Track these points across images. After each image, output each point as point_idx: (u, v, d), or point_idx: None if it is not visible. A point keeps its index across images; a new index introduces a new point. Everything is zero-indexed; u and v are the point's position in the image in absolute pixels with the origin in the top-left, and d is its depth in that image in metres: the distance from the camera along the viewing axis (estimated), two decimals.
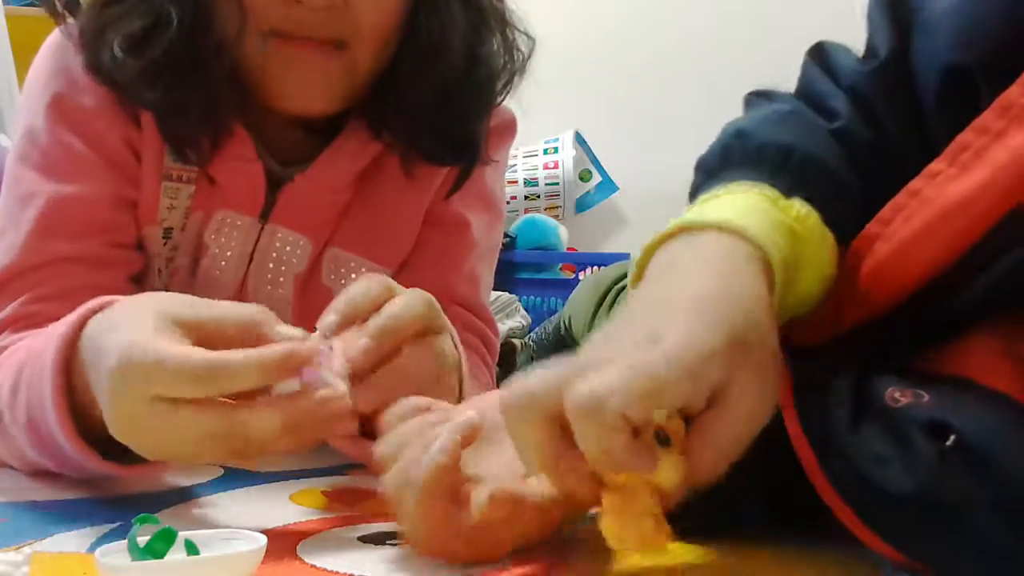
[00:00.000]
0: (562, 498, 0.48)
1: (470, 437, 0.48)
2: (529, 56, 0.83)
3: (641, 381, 0.40)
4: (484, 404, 0.53)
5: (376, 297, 0.57)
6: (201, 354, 0.50)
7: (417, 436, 0.50)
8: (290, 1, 0.69)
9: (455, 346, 0.62)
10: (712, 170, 0.56)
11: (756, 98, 0.64)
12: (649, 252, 0.52)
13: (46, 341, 0.59)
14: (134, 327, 0.51)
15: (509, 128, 0.89)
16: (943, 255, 0.48)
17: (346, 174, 0.80)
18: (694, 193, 0.57)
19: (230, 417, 0.50)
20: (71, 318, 0.58)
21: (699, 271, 0.47)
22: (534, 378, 0.44)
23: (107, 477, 0.68)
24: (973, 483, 0.43)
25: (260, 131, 0.78)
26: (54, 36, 0.79)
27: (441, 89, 0.77)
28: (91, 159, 0.75)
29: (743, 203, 0.51)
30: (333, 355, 0.54)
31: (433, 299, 0.59)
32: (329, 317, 0.56)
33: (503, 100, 0.84)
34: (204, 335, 0.52)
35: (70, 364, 0.57)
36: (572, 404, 0.41)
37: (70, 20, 0.76)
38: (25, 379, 0.60)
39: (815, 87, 0.61)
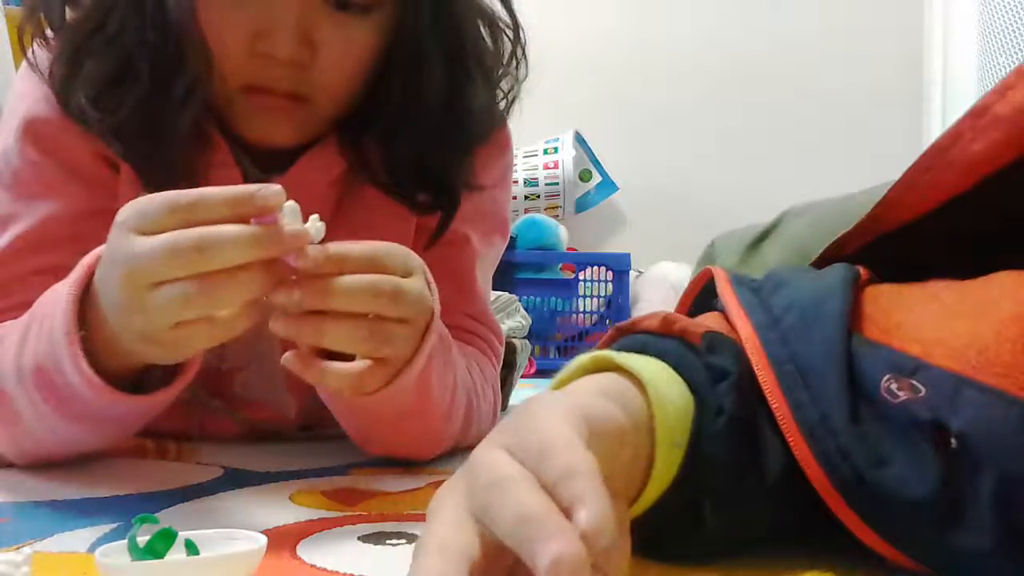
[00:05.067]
0: None
1: None
2: (513, 101, 0.84)
3: None
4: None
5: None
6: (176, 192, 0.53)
7: None
8: (258, 55, 0.70)
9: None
10: None
11: None
12: None
13: (58, 290, 0.61)
14: None
15: (502, 146, 0.88)
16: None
17: (318, 184, 0.79)
18: None
19: (196, 229, 0.51)
20: (82, 263, 0.60)
21: None
22: None
23: (108, 476, 0.68)
24: (975, 481, 0.43)
25: (238, 140, 0.77)
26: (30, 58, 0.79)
27: (420, 140, 0.78)
28: (62, 178, 0.76)
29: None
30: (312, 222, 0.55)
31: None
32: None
33: (482, 143, 0.84)
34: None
35: (82, 304, 0.58)
36: None
37: (34, 51, 0.77)
38: (34, 328, 0.61)
39: None
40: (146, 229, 0.53)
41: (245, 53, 0.70)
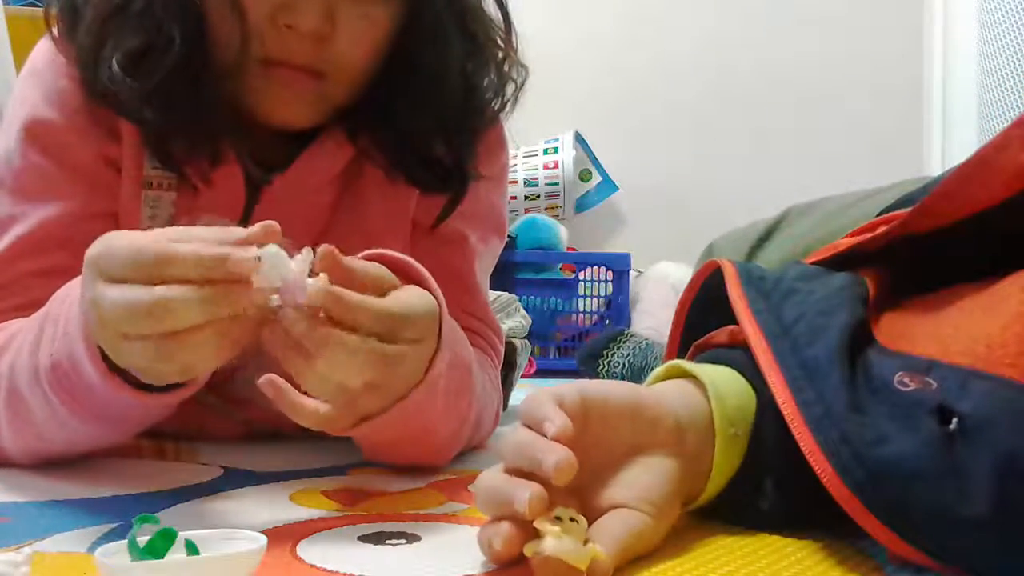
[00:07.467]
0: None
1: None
2: (521, 86, 0.85)
3: None
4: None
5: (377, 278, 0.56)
6: (148, 241, 0.51)
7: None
8: (280, 27, 0.71)
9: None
10: None
11: None
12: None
13: (71, 289, 0.60)
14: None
15: (498, 144, 0.89)
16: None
17: (324, 176, 0.80)
18: None
19: (152, 292, 0.50)
20: None
21: None
22: None
23: (108, 476, 0.68)
24: (973, 454, 0.44)
25: (241, 135, 0.78)
26: (31, 61, 0.80)
27: (436, 121, 0.79)
28: (63, 180, 0.76)
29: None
30: (296, 261, 0.51)
31: (435, 310, 0.58)
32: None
33: (491, 127, 0.85)
34: None
35: None
36: None
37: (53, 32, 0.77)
38: (48, 327, 0.61)
39: None
40: (112, 276, 0.52)
41: (267, 25, 0.71)
